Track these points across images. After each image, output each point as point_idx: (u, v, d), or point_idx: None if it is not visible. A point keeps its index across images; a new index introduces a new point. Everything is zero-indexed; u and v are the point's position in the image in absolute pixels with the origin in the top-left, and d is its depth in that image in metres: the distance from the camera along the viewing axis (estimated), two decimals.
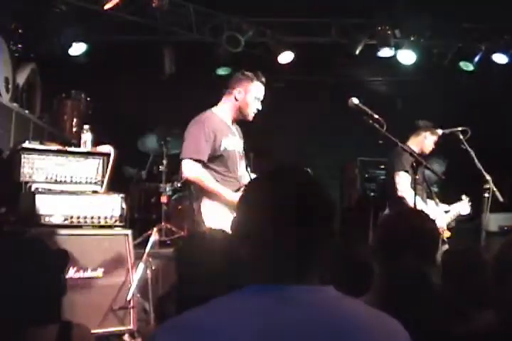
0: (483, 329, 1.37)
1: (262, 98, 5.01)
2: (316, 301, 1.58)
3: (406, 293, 2.45)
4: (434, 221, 2.92)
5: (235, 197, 4.78)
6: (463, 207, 6.49)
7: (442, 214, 6.33)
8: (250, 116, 5.04)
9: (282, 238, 1.58)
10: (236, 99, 4.99)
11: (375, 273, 2.57)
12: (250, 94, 4.97)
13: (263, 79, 5.04)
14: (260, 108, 5.02)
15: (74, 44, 7.63)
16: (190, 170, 4.80)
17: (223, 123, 5.03)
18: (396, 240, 2.64)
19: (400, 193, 6.02)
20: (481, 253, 3.05)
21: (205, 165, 4.85)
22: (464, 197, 6.58)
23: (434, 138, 6.40)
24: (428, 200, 6.38)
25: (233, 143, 5.01)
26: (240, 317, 1.52)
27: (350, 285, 1.87)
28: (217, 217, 4.77)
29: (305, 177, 1.68)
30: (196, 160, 4.79)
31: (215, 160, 4.92)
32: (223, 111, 5.05)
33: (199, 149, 4.80)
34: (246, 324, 1.51)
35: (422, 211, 4.21)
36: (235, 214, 1.68)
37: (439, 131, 6.35)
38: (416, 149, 6.30)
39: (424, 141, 6.40)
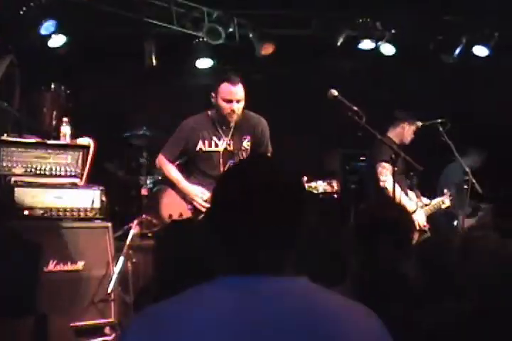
0: (451, 318, 1.38)
1: (231, 98, 5.21)
2: (288, 293, 1.58)
3: (381, 283, 2.47)
4: (409, 212, 2.95)
5: (189, 188, 5.39)
6: (444, 200, 6.52)
7: (423, 207, 6.36)
8: (228, 118, 5.30)
9: (254, 229, 1.58)
10: (214, 103, 5.32)
11: (351, 264, 2.58)
12: (219, 97, 5.23)
13: (232, 79, 5.23)
14: (235, 108, 5.23)
15: (53, 36, 7.55)
16: (158, 162, 5.62)
17: (211, 124, 5.37)
18: (372, 231, 2.68)
19: (382, 183, 6.04)
20: (455, 243, 3.07)
21: (179, 163, 5.55)
22: (445, 191, 6.62)
23: (413, 128, 6.42)
24: (409, 192, 6.41)
25: (219, 143, 5.36)
26: (207, 311, 1.52)
27: (325, 276, 1.87)
28: (170, 202, 5.45)
29: (272, 169, 1.68)
30: (165, 157, 5.52)
31: (191, 159, 5.47)
32: (215, 113, 5.39)
33: (169, 149, 5.50)
34: (213, 318, 1.50)
35: (398, 202, 4.24)
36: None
37: (419, 123, 6.38)
38: (396, 140, 6.33)
39: (402, 132, 6.42)
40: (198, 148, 5.35)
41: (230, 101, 5.19)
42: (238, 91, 5.21)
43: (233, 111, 5.21)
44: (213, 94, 5.26)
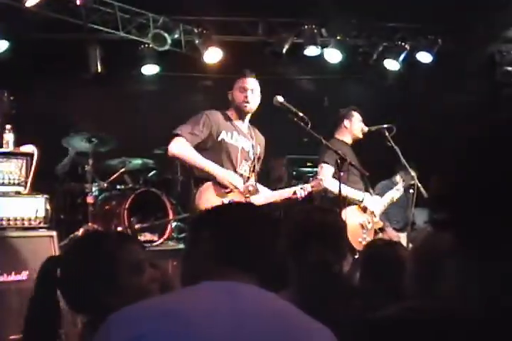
0: (395, 316, 1.41)
1: (244, 86, 5.23)
2: (260, 296, 1.80)
3: (316, 287, 2.50)
4: (336, 213, 3.00)
5: (222, 171, 5.00)
6: (394, 192, 6.49)
7: (378, 205, 6.28)
8: (241, 107, 5.25)
9: (246, 251, 1.92)
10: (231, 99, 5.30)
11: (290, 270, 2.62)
12: (235, 88, 5.26)
13: (246, 73, 5.31)
14: (249, 96, 5.21)
15: None
16: (176, 145, 5.01)
17: (230, 121, 5.25)
18: (300, 235, 2.74)
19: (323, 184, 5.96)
20: (399, 248, 3.11)
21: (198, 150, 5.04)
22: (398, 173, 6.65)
23: (353, 118, 6.35)
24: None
25: (237, 139, 5.20)
26: (206, 305, 1.70)
27: (267, 283, 1.91)
28: (212, 199, 4.90)
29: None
30: (185, 139, 5.00)
31: (210, 149, 5.11)
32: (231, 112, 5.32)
33: (193, 131, 5.04)
34: (211, 311, 1.67)
35: (323, 206, 4.25)
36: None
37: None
38: (346, 139, 6.28)
39: (348, 128, 6.35)
40: (220, 138, 5.13)
41: (244, 89, 5.21)
42: (251, 81, 5.27)
43: (246, 97, 5.20)
44: (230, 92, 5.30)
